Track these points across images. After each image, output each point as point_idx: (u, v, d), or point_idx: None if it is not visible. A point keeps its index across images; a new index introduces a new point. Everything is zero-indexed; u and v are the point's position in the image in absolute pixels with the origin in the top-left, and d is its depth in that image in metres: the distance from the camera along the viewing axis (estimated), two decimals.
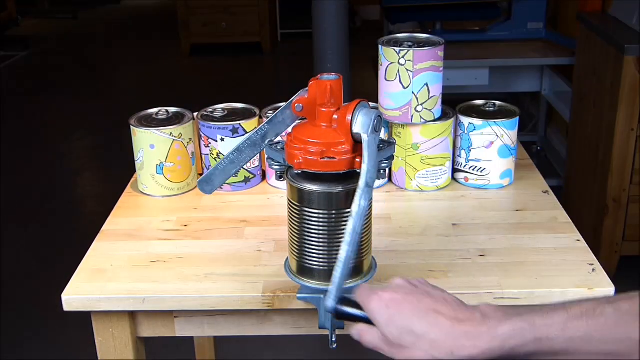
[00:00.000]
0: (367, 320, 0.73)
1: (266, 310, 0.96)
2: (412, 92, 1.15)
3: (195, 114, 1.25)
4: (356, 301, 0.75)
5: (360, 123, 0.81)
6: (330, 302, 0.77)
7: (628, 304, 0.60)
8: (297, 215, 0.87)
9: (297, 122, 0.88)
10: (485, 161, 1.22)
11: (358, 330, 0.72)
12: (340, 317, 0.78)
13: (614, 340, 0.59)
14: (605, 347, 0.60)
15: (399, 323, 0.66)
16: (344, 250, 0.78)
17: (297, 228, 0.87)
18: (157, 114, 1.24)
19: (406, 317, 0.66)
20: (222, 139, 1.21)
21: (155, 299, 0.95)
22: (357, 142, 0.83)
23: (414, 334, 0.65)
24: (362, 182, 0.79)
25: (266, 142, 0.89)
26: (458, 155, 1.24)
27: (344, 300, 0.78)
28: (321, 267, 0.87)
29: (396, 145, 1.20)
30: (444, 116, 1.21)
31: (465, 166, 1.24)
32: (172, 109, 1.25)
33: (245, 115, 1.24)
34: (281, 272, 0.93)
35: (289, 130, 0.87)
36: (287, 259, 0.93)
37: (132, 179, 1.29)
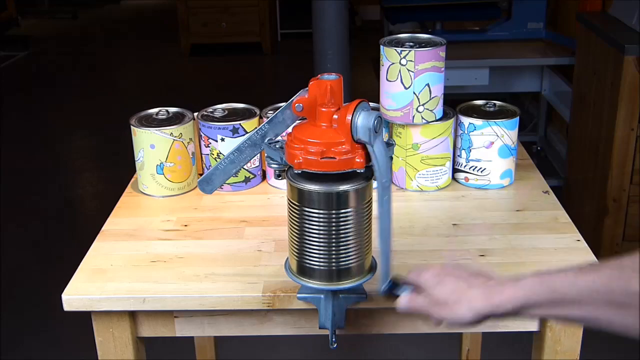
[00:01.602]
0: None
1: (266, 310, 0.96)
2: (414, 93, 1.15)
3: (196, 114, 1.25)
4: (400, 282, 0.88)
5: (362, 128, 0.81)
6: (382, 288, 0.88)
7: (630, 260, 0.68)
8: (297, 215, 0.87)
9: (297, 122, 0.88)
10: (486, 161, 1.22)
11: (407, 299, 0.85)
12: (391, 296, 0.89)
13: (618, 291, 0.68)
14: (610, 297, 0.68)
15: (446, 285, 0.81)
16: (382, 248, 0.87)
17: (297, 228, 0.87)
18: (157, 114, 1.24)
19: (451, 282, 0.81)
20: (222, 139, 1.21)
21: (156, 299, 0.95)
22: (357, 143, 0.83)
23: (457, 292, 0.80)
24: (379, 186, 0.84)
25: (265, 141, 0.89)
26: (458, 155, 1.24)
27: (391, 285, 0.89)
28: (321, 267, 0.87)
29: (397, 146, 1.20)
30: (444, 116, 1.21)
31: (465, 166, 1.24)
32: (172, 109, 1.26)
33: (246, 115, 1.24)
34: (281, 272, 0.93)
35: (289, 130, 0.87)
36: (287, 258, 0.93)
37: (133, 179, 1.29)
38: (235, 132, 1.20)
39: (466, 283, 0.80)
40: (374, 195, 0.87)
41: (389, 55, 1.15)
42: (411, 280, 0.86)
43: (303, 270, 0.89)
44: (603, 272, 0.70)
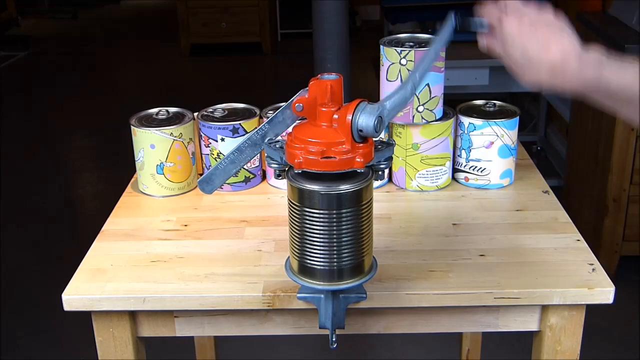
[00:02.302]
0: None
1: (266, 310, 0.97)
2: None
3: (196, 114, 1.25)
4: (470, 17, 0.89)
5: (364, 122, 0.82)
6: (452, 23, 0.88)
7: None
8: (297, 215, 0.87)
9: (298, 121, 0.88)
10: (486, 161, 1.22)
11: (485, 39, 0.88)
12: (464, 29, 0.89)
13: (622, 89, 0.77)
14: (618, 94, 0.79)
15: (519, 51, 0.84)
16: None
17: (297, 228, 0.87)
18: (157, 114, 1.24)
19: (527, 48, 0.83)
20: (222, 139, 1.21)
21: (156, 299, 0.95)
22: (357, 142, 0.83)
23: (530, 60, 0.83)
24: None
25: (265, 141, 0.89)
26: (458, 155, 1.24)
27: (461, 19, 0.89)
28: (322, 267, 0.87)
29: (396, 145, 1.20)
30: (444, 116, 1.21)
31: (465, 166, 1.24)
32: (172, 109, 1.26)
33: (246, 115, 1.24)
34: (281, 272, 0.93)
35: (289, 130, 0.87)
36: (288, 258, 0.93)
37: (133, 179, 1.29)
38: (235, 132, 1.21)
39: (543, 54, 0.82)
40: (375, 194, 0.87)
41: (388, 55, 1.15)
42: (491, 21, 0.86)
43: (303, 270, 0.89)
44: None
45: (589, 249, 1.04)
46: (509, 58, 0.85)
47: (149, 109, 1.26)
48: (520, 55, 0.83)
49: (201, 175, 1.25)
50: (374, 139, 0.85)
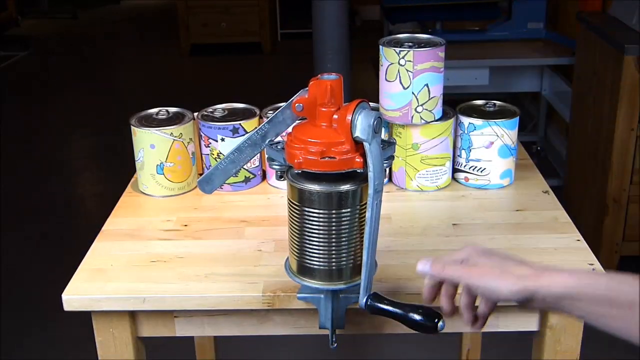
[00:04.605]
0: (397, 315, 0.85)
1: (266, 310, 0.96)
2: (412, 93, 1.15)
3: (196, 114, 1.25)
4: (384, 296, 0.86)
5: (361, 126, 0.81)
6: (362, 300, 0.86)
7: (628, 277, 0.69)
8: (297, 215, 0.87)
9: (297, 122, 0.88)
10: (486, 161, 1.22)
11: (429, 263, 0.82)
12: (374, 312, 0.86)
13: (616, 290, 0.69)
14: (609, 294, 0.69)
15: (489, 259, 0.78)
16: (365, 256, 0.85)
17: (297, 228, 0.87)
18: (157, 114, 1.24)
19: (492, 258, 0.78)
20: (222, 139, 1.21)
21: (156, 299, 0.95)
22: (357, 143, 0.83)
23: (503, 266, 0.76)
24: (370, 190, 0.82)
25: (266, 142, 0.89)
26: (458, 155, 1.24)
27: (374, 296, 0.86)
28: (321, 267, 0.87)
29: (396, 145, 1.20)
30: (444, 116, 1.21)
31: (465, 166, 1.24)
32: (172, 109, 1.26)
33: (246, 115, 1.24)
34: (281, 272, 0.93)
35: (289, 130, 0.87)
36: (287, 258, 0.93)
37: (133, 179, 1.29)
38: (235, 132, 1.21)
39: (511, 261, 0.76)
40: None
41: (387, 56, 1.15)
42: (436, 274, 0.80)
43: (303, 270, 0.89)
44: (600, 277, 0.69)
45: (589, 249, 1.04)
46: (473, 265, 0.78)
47: (149, 109, 1.26)
48: (493, 263, 0.77)
49: (201, 175, 1.25)
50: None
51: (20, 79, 5.18)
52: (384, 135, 1.21)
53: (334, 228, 0.85)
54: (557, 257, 1.01)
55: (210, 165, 1.24)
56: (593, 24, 2.47)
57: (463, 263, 0.79)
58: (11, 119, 4.25)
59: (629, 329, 0.69)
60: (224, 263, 1.02)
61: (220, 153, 1.21)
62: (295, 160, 0.83)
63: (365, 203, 0.86)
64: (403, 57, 1.13)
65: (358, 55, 3.96)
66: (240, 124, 1.21)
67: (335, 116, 0.83)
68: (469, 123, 1.20)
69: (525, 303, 0.74)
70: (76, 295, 0.96)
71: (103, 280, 0.99)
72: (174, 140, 1.20)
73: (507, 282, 0.74)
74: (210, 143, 1.22)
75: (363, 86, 4.08)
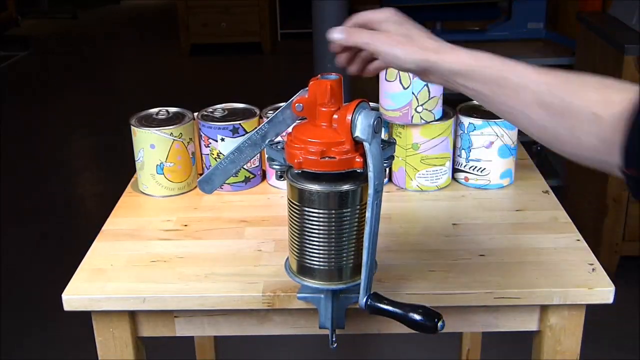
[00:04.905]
0: (397, 314, 0.85)
1: (266, 310, 0.97)
2: (412, 93, 1.15)
3: (196, 114, 1.25)
4: (384, 296, 0.86)
5: (361, 126, 0.81)
6: (362, 300, 0.86)
7: (576, 77, 0.72)
8: (297, 215, 0.87)
9: (297, 122, 0.88)
10: (486, 161, 1.22)
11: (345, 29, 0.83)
12: (374, 312, 0.86)
13: (558, 99, 0.71)
14: (502, 74, 0.74)
15: (403, 26, 0.80)
16: (365, 256, 0.84)
17: (297, 228, 0.87)
18: (157, 114, 1.24)
19: (410, 26, 0.80)
20: (222, 139, 1.21)
21: (155, 299, 0.95)
22: (357, 143, 0.83)
23: (412, 35, 0.79)
24: (370, 190, 0.81)
25: (266, 142, 0.89)
26: (458, 155, 1.24)
27: (374, 296, 0.86)
28: (321, 267, 0.87)
29: (396, 145, 1.20)
30: (444, 116, 1.21)
31: (465, 166, 1.24)
32: (172, 109, 1.26)
33: (245, 115, 1.24)
34: (281, 271, 0.93)
35: (289, 130, 0.87)
36: (287, 258, 0.93)
37: (132, 179, 1.29)
38: (235, 132, 1.21)
39: (419, 32, 0.79)
40: None
41: None
42: (363, 44, 0.81)
43: (303, 270, 0.89)
44: (552, 74, 0.72)
45: (589, 249, 1.04)
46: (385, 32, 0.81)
47: (149, 109, 1.26)
48: (404, 31, 0.80)
49: (201, 175, 1.25)
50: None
51: (20, 79, 5.18)
52: (384, 135, 1.21)
53: (334, 228, 0.85)
54: (557, 257, 1.02)
55: (210, 165, 1.24)
56: (593, 24, 2.47)
57: (376, 26, 0.81)
58: (11, 119, 4.25)
59: (512, 112, 0.75)
60: (224, 263, 1.02)
61: (220, 153, 1.21)
62: (295, 160, 0.83)
63: (365, 203, 0.86)
64: None
65: None
66: (240, 124, 1.21)
67: (335, 116, 0.83)
68: (469, 123, 1.20)
69: (422, 74, 0.79)
70: (76, 295, 0.96)
71: (103, 280, 0.99)
72: (174, 140, 1.20)
73: (409, 51, 0.77)
74: (210, 143, 1.22)
75: (363, 86, 4.08)
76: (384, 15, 0.82)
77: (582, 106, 0.68)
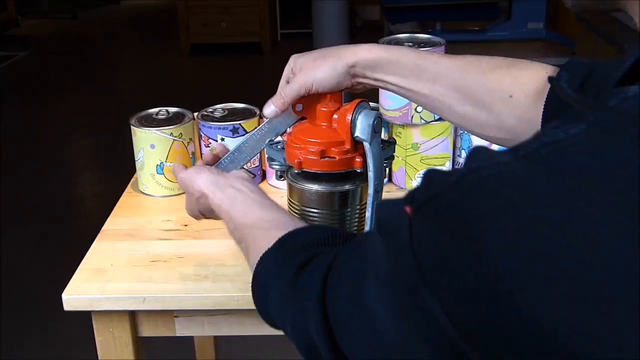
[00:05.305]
0: None
1: None
2: None
3: (196, 114, 1.25)
4: None
5: (361, 126, 0.81)
6: None
7: (487, 61, 0.75)
8: (297, 215, 0.87)
9: (297, 121, 0.88)
10: None
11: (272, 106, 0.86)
12: None
13: (473, 86, 0.74)
14: (417, 62, 0.77)
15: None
16: None
17: None
18: (157, 114, 1.24)
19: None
20: (222, 139, 1.21)
21: (156, 299, 0.95)
22: (357, 143, 0.83)
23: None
24: (370, 190, 0.81)
25: (266, 142, 0.89)
26: (458, 155, 1.24)
27: None
28: None
29: (396, 145, 1.20)
30: None
31: None
32: (172, 109, 1.26)
33: (245, 115, 1.24)
34: None
35: (289, 130, 0.87)
36: None
37: (132, 179, 1.29)
38: (235, 132, 1.21)
39: (328, 49, 0.84)
40: None
41: None
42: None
43: None
44: (465, 60, 0.74)
45: None
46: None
47: (149, 109, 1.26)
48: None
49: None
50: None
51: (20, 79, 5.18)
52: (384, 135, 1.21)
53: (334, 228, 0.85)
54: None
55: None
56: (593, 24, 2.47)
57: (293, 73, 0.84)
58: (11, 119, 4.25)
59: (433, 100, 0.77)
60: (224, 263, 1.02)
61: None
62: (295, 160, 0.83)
63: (365, 203, 0.86)
64: None
65: None
66: (240, 124, 1.21)
67: (335, 116, 0.83)
68: None
69: (351, 80, 0.81)
70: (76, 295, 0.96)
71: (103, 280, 0.99)
72: (174, 140, 1.20)
73: (330, 66, 0.80)
74: (210, 143, 1.22)
75: None
76: (290, 64, 0.85)
77: (497, 89, 0.70)
